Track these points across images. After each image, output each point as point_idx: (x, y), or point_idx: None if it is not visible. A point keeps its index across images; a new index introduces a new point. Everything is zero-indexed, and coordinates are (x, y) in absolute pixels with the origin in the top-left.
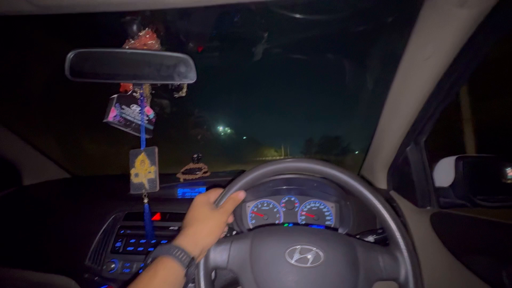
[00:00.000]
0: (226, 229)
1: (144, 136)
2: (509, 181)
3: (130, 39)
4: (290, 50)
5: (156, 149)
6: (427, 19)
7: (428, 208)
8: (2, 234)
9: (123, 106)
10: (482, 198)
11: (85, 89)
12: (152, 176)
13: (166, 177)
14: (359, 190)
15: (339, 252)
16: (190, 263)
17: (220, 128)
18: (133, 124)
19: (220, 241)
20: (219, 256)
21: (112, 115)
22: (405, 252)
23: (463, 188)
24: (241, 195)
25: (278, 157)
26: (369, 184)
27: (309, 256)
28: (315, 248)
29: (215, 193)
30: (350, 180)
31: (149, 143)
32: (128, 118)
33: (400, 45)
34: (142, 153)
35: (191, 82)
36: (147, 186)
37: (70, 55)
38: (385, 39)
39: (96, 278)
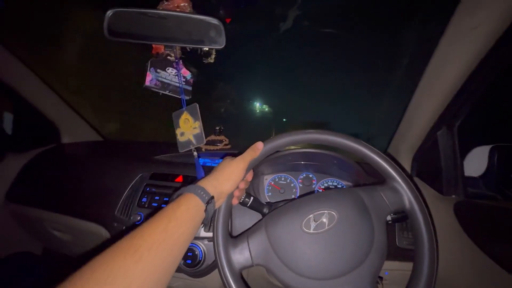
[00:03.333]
0: (243, 186)
1: (184, 96)
2: None
3: (164, 1)
4: (321, 22)
5: (197, 106)
6: None
7: (453, 196)
8: (43, 183)
9: (158, 70)
10: None
11: (122, 56)
12: (197, 131)
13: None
14: (345, 144)
15: (348, 204)
16: (210, 201)
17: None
18: (170, 86)
19: (236, 242)
20: (241, 257)
21: (148, 79)
22: (401, 181)
23: (496, 179)
24: (260, 145)
25: None
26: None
27: (324, 220)
28: (326, 210)
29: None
30: (334, 137)
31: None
32: (165, 81)
33: (446, 12)
34: (185, 112)
35: (220, 47)
36: (194, 141)
37: (109, 13)
38: (431, 7)
39: (123, 228)
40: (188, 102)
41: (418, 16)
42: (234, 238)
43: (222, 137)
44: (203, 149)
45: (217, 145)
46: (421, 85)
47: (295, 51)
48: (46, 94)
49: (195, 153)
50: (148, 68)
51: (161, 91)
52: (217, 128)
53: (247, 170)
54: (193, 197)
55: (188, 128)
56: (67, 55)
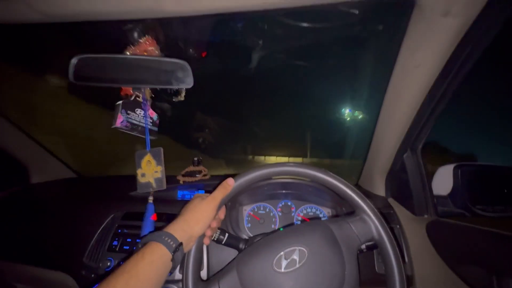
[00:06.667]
0: (214, 224)
1: (148, 137)
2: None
3: (131, 46)
4: (288, 57)
5: (162, 150)
6: (416, 28)
7: (426, 216)
8: (8, 230)
9: (128, 111)
10: (481, 208)
11: (92, 94)
12: (159, 175)
13: (166, 179)
14: (314, 176)
15: (319, 239)
16: (177, 248)
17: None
18: (139, 128)
19: (207, 286)
20: None
21: (119, 121)
22: (369, 211)
23: (462, 197)
24: (230, 181)
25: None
26: (366, 193)
27: (295, 257)
28: (297, 247)
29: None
30: (309, 171)
31: (154, 143)
32: (134, 122)
33: (393, 53)
34: (148, 154)
35: (188, 87)
36: (154, 185)
37: (74, 60)
38: (380, 48)
39: (92, 276)
40: (157, 141)
41: (373, 55)
42: (204, 281)
43: (200, 168)
44: (181, 181)
45: (196, 176)
46: (382, 114)
47: (271, 82)
48: (11, 132)
49: (150, 198)
50: (120, 110)
51: (130, 132)
52: (195, 159)
53: (219, 208)
54: (159, 246)
55: (150, 170)
56: (31, 89)
